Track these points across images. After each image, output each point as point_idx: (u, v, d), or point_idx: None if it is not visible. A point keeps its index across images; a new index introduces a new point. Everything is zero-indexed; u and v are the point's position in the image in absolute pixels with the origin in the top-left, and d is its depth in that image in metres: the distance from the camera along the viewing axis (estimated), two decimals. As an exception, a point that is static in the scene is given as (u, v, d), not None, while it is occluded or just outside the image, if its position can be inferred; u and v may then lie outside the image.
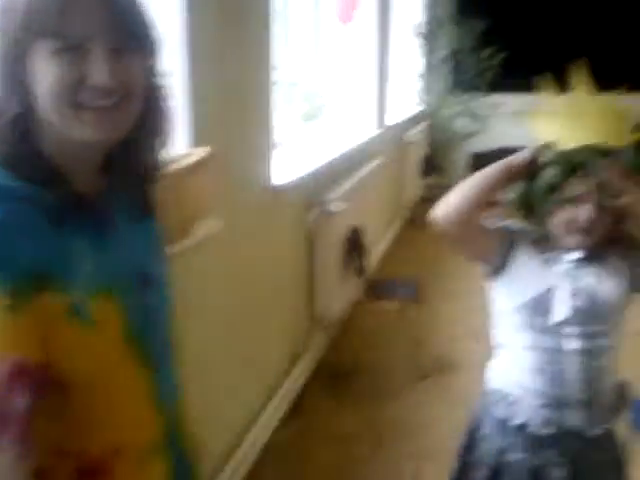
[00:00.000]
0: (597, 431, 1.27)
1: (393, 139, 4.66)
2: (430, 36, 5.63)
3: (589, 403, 1.26)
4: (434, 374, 2.82)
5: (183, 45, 1.62)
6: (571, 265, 1.26)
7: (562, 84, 1.25)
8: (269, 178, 2.30)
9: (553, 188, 1.22)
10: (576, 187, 1.20)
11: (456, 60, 5.72)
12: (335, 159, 3.03)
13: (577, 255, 1.25)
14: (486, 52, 5.57)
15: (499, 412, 1.34)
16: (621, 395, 1.31)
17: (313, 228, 2.75)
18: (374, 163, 3.69)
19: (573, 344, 1.24)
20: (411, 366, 2.92)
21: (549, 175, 1.22)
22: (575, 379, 1.24)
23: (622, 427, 1.39)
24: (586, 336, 1.24)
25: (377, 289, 3.20)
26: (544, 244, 1.29)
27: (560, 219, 1.23)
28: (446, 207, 1.24)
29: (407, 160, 5.06)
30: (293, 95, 2.98)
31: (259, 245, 2.25)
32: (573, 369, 1.24)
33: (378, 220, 3.96)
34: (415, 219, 4.91)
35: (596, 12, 5.60)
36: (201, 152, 1.69)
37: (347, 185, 3.08)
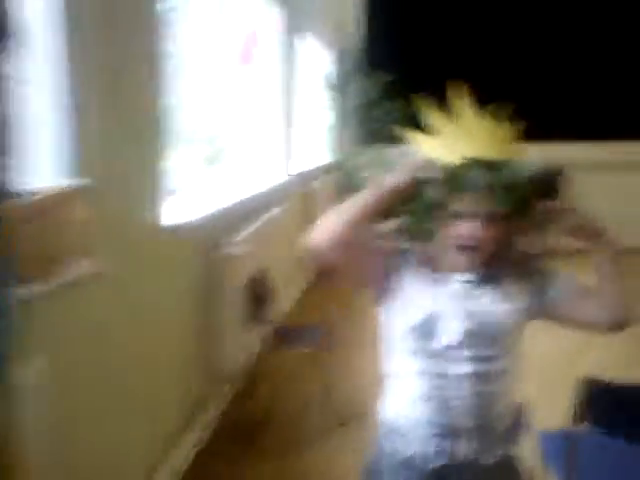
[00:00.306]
0: (492, 459, 1.20)
1: (301, 187, 4.66)
2: (338, 88, 5.75)
3: (481, 430, 1.19)
4: (347, 422, 2.72)
5: (67, 77, 1.52)
6: (462, 286, 1.22)
7: (444, 104, 1.24)
8: (160, 218, 2.18)
9: (437, 205, 1.20)
10: (461, 203, 1.18)
11: (365, 111, 5.86)
12: (237, 203, 2.97)
13: (468, 276, 1.22)
14: (395, 104, 5.75)
15: (389, 445, 1.26)
16: (518, 420, 1.26)
17: (212, 272, 2.64)
18: (280, 209, 3.65)
19: (463, 368, 1.18)
20: (322, 415, 2.80)
21: (432, 192, 1.20)
22: (465, 405, 1.18)
23: (528, 457, 1.33)
24: (477, 360, 1.18)
25: (285, 336, 3.09)
26: (433, 265, 1.25)
27: (446, 236, 1.21)
28: (323, 231, 1.18)
29: (316, 209, 5.07)
30: (194, 137, 2.90)
31: (149, 288, 2.11)
32: (462, 395, 1.18)
33: (287, 267, 3.88)
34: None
35: (495, 61, 5.86)
36: (72, 184, 1.57)
37: (251, 229, 3.01)
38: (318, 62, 5.39)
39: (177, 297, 2.39)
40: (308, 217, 4.93)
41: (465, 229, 1.18)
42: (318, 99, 5.40)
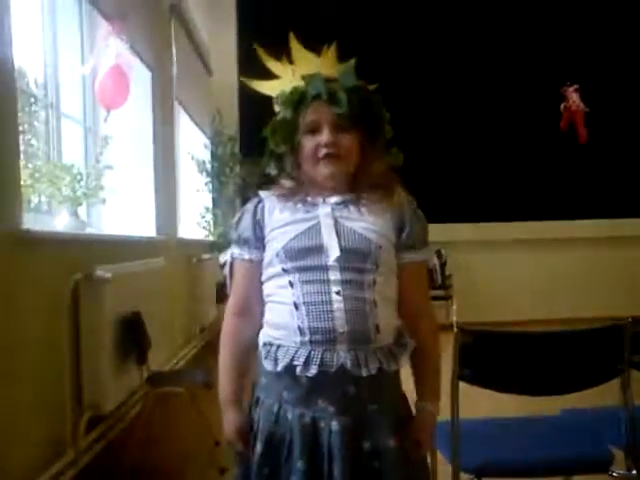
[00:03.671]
0: (366, 372, 1.17)
1: (184, 256, 4.61)
2: (215, 174, 5.88)
3: (357, 340, 1.17)
4: (229, 468, 2.52)
5: None
6: (331, 208, 1.24)
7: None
8: (19, 221, 2.05)
9: (289, 123, 1.26)
10: (310, 115, 1.25)
11: (244, 195, 6.00)
12: (112, 236, 2.86)
13: (336, 199, 1.25)
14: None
15: (268, 365, 1.21)
16: (398, 340, 1.24)
17: (79, 296, 2.46)
18: (159, 263, 3.56)
19: (334, 276, 1.19)
20: (204, 458, 2.59)
21: (281, 114, 1.27)
22: (338, 309, 1.17)
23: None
24: (349, 270, 1.19)
25: (163, 378, 2.89)
26: (301, 194, 1.28)
27: (306, 150, 1.25)
28: None
29: (201, 282, 4.99)
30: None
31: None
32: (335, 299, 1.17)
33: (165, 321, 3.70)
34: (212, 340, 4.71)
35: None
36: None
37: (124, 267, 2.88)
38: (192, 143, 5.53)
39: (31, 319, 2.15)
40: (195, 290, 4.83)
41: (321, 138, 1.23)
42: (193, 178, 5.48)
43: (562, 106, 6.45)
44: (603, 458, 1.66)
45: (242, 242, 1.29)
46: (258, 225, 1.27)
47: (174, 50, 4.59)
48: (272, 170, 1.34)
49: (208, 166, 5.82)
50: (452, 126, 6.53)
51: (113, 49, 2.90)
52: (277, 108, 1.29)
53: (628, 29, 6.60)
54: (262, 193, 1.31)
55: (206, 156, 5.87)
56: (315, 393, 1.18)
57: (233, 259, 1.31)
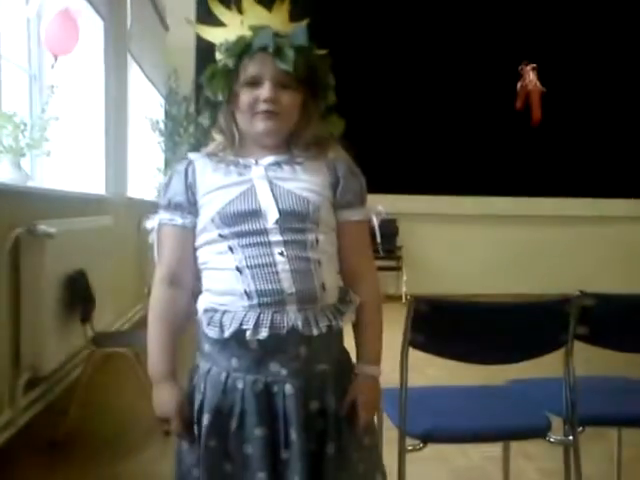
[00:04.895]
0: (317, 331, 1.14)
1: (133, 215, 4.47)
2: (169, 133, 5.72)
3: (305, 299, 1.14)
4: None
5: None
6: (267, 168, 1.20)
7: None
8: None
9: (229, 71, 1.19)
10: (253, 67, 1.18)
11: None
12: (55, 190, 2.73)
13: (273, 158, 1.20)
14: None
15: (212, 332, 1.16)
16: (343, 297, 1.22)
17: (19, 252, 2.36)
18: (105, 221, 3.44)
19: (275, 237, 1.15)
20: (147, 422, 2.55)
21: (223, 62, 1.20)
22: (283, 270, 1.13)
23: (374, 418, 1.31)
24: (289, 230, 1.15)
25: (107, 339, 2.81)
26: (235, 153, 1.22)
27: (243, 103, 1.19)
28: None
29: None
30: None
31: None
32: (278, 260, 1.14)
33: (113, 282, 3.60)
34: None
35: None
36: None
37: (68, 223, 2.77)
38: (146, 100, 5.35)
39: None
40: (140, 242, 4.71)
41: (260, 92, 1.17)
42: (145, 137, 5.32)
43: (519, 85, 6.52)
44: (541, 425, 1.71)
45: (173, 207, 1.21)
46: (190, 189, 1.20)
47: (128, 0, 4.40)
48: (205, 120, 1.28)
49: (162, 125, 5.66)
50: (409, 98, 6.53)
51: (62, -9, 2.74)
52: (219, 56, 1.22)
53: (588, 10, 6.68)
54: (191, 154, 1.24)
55: (160, 115, 5.69)
56: (266, 357, 1.15)
57: (162, 225, 1.23)
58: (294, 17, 1.29)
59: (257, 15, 1.26)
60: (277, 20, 1.26)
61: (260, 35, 1.18)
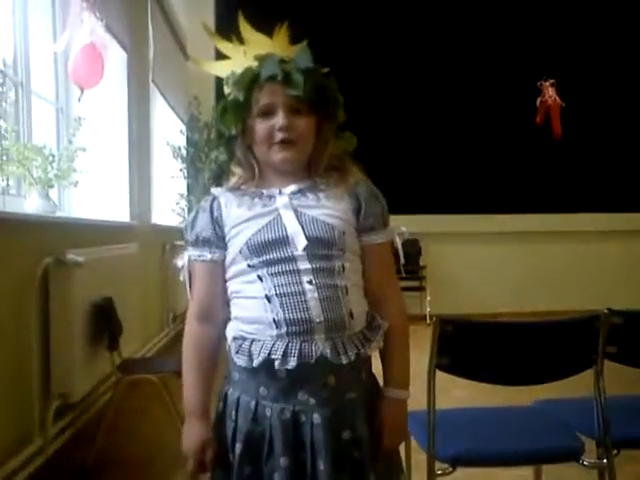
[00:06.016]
0: (346, 359, 1.15)
1: (158, 242, 4.54)
2: (190, 159, 5.79)
3: (333, 328, 1.15)
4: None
5: None
6: (290, 197, 1.20)
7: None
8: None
9: (240, 104, 1.20)
10: (264, 97, 1.19)
11: (219, 183, 5.91)
12: (82, 220, 2.79)
13: (293, 187, 1.21)
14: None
15: (241, 361, 1.17)
16: (371, 323, 1.22)
17: (49, 281, 2.40)
18: (131, 248, 3.49)
19: (304, 265, 1.15)
20: (174, 448, 2.55)
21: (232, 95, 1.21)
22: (312, 299, 1.14)
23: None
24: (316, 258, 1.16)
25: (134, 366, 2.84)
26: (257, 185, 1.24)
27: (259, 134, 1.20)
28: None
29: (175, 269, 4.91)
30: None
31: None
32: (307, 289, 1.14)
33: (140, 312, 3.65)
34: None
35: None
36: None
37: (95, 252, 2.82)
38: (168, 128, 5.45)
39: (6, 304, 2.12)
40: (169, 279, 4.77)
41: (275, 121, 1.18)
42: (168, 164, 5.40)
43: (538, 100, 6.50)
44: (574, 447, 1.67)
45: (201, 243, 1.22)
46: (216, 223, 1.21)
47: (150, 31, 4.50)
48: (222, 155, 1.29)
49: (183, 152, 5.74)
50: (430, 117, 6.54)
51: (87, 26, 2.81)
52: (227, 90, 1.22)
53: (606, 26, 6.67)
54: (214, 190, 1.25)
55: (182, 142, 5.78)
56: (295, 386, 1.15)
57: (191, 261, 1.25)
58: (292, 38, 1.30)
59: (259, 43, 1.26)
60: (279, 45, 1.26)
61: (266, 64, 1.19)
